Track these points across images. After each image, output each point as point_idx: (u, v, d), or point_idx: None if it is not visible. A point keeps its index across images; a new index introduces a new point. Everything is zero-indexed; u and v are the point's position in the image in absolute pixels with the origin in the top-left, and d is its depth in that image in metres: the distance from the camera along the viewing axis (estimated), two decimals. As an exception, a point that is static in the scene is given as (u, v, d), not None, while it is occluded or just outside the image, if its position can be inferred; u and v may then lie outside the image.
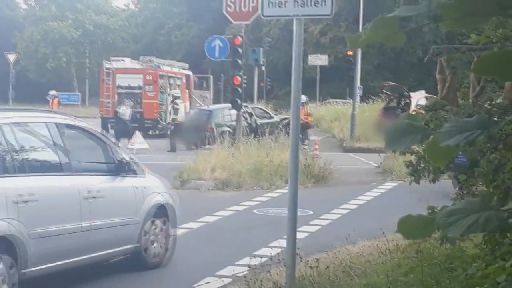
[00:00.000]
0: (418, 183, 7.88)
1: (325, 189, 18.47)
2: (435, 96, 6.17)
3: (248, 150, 20.18)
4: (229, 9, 21.94)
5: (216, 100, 45.51)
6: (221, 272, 9.45)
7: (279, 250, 9.70)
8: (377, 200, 16.31)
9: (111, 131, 29.85)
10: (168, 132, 28.16)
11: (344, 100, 49.39)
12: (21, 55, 58.70)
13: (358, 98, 36.23)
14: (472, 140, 2.30)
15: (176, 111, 27.52)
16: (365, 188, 18.14)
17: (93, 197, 8.85)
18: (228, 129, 26.05)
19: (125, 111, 29.78)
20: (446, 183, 8.23)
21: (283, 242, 8.60)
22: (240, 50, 22.06)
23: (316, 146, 24.44)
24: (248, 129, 24.71)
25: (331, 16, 7.78)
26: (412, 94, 30.57)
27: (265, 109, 33.24)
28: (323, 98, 51.09)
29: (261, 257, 9.86)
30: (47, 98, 38.74)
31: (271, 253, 9.99)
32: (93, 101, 56.33)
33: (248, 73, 31.89)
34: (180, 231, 11.07)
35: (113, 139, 11.66)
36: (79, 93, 63.17)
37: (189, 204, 13.90)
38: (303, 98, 29.13)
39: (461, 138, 2.30)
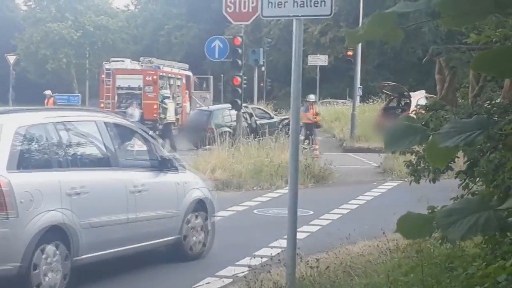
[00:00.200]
0: (418, 182, 7.88)
1: (325, 189, 18.47)
2: (435, 96, 6.18)
3: (248, 151, 20.18)
4: (228, 10, 21.94)
5: (216, 101, 45.50)
6: (222, 272, 9.46)
7: (279, 250, 9.70)
8: (377, 200, 16.32)
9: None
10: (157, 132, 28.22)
11: (343, 101, 49.36)
12: (21, 56, 58.70)
13: (358, 98, 36.25)
14: (471, 141, 2.30)
15: (164, 110, 27.59)
16: (365, 188, 18.14)
17: (138, 191, 9.49)
18: (228, 129, 26.04)
19: (134, 111, 29.75)
20: (446, 182, 8.23)
21: (283, 242, 8.60)
22: (240, 51, 22.06)
23: (316, 146, 24.44)
24: (248, 130, 24.72)
25: (330, 16, 7.78)
26: (412, 94, 30.58)
27: (265, 109, 33.24)
28: (323, 98, 51.09)
29: (261, 257, 9.86)
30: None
31: (271, 253, 9.99)
32: (93, 102, 56.30)
33: (248, 73, 31.90)
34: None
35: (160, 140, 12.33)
36: (79, 94, 63.12)
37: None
38: (312, 97, 29.16)
39: (460, 139, 2.30)
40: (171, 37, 72.80)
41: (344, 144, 30.39)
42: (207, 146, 21.74)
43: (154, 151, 10.30)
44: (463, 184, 6.87)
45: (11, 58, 43.54)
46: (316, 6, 7.53)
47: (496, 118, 5.79)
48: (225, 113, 27.43)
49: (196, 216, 10.63)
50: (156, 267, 9.84)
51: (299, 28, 7.71)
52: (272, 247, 10.61)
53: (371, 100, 42.77)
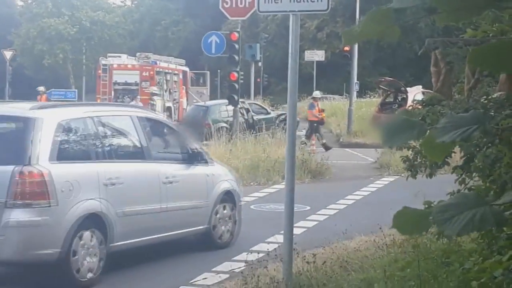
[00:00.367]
0: (415, 178, 7.88)
1: (322, 185, 18.48)
2: (432, 91, 6.17)
3: (245, 146, 20.18)
4: (225, 5, 21.94)
5: (213, 96, 45.48)
6: (218, 268, 9.46)
7: (276, 245, 9.70)
8: (374, 195, 16.33)
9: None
10: None
11: (337, 96, 49.34)
12: (18, 52, 58.55)
13: (355, 94, 36.24)
14: (467, 136, 2.30)
15: (153, 107, 27.76)
16: (362, 183, 18.15)
17: (170, 182, 9.97)
18: (225, 125, 26.02)
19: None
20: (443, 177, 8.24)
21: (280, 238, 8.60)
22: (236, 46, 22.05)
23: (313, 142, 24.44)
24: (245, 125, 24.70)
25: (327, 12, 7.78)
26: (409, 89, 30.58)
27: (262, 104, 33.22)
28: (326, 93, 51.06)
29: (258, 253, 9.87)
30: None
31: (268, 249, 10.00)
32: (90, 98, 56.23)
33: (245, 69, 31.89)
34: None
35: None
36: (76, 90, 63.04)
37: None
38: (318, 93, 29.15)
39: (457, 134, 2.30)
40: (168, 33, 72.71)
41: (340, 140, 30.39)
42: (204, 142, 21.73)
43: (185, 145, 10.79)
44: (460, 179, 6.87)
45: (8, 54, 43.44)
46: (313, 1, 7.53)
47: (492, 113, 5.78)
48: (222, 109, 27.41)
49: (224, 207, 11.08)
50: (153, 263, 9.84)
51: (295, 23, 7.71)
52: (268, 243, 10.61)
53: (368, 95, 42.78)
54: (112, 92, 35.39)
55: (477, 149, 6.42)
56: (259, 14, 8.62)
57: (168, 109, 36.21)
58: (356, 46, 33.68)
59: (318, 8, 7.64)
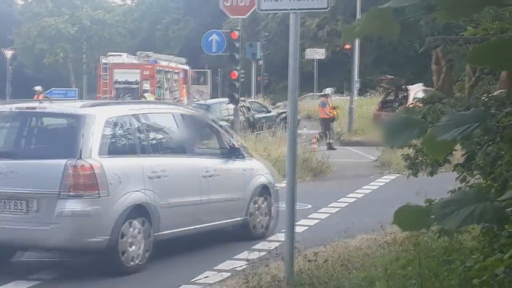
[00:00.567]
0: (416, 176, 7.88)
1: (323, 183, 18.48)
2: (433, 89, 6.17)
3: (246, 145, 20.15)
4: (226, 4, 21.93)
5: (213, 95, 45.48)
6: (220, 266, 9.45)
7: (277, 244, 9.71)
8: (375, 194, 16.32)
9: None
10: None
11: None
12: (18, 51, 58.56)
13: (356, 92, 36.23)
14: (468, 134, 2.30)
15: None
16: (363, 181, 18.14)
17: (210, 176, 10.55)
18: (225, 123, 26.02)
19: None
20: (444, 176, 8.23)
21: (281, 236, 8.60)
22: (237, 45, 22.04)
23: (314, 140, 24.44)
24: (245, 124, 24.70)
25: (327, 10, 7.77)
26: (410, 87, 30.56)
27: (262, 103, 33.21)
28: (320, 92, 51.03)
29: (259, 251, 9.87)
30: (48, 95, 38.56)
31: (269, 247, 10.01)
32: (91, 97, 56.25)
33: (246, 67, 31.87)
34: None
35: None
36: (77, 89, 63.04)
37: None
38: (328, 91, 29.16)
39: (458, 132, 2.30)
40: (168, 31, 72.70)
41: (342, 138, 30.37)
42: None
43: (224, 141, 11.34)
44: (461, 177, 6.87)
45: (8, 53, 43.46)
46: (313, 0, 7.52)
47: (493, 111, 5.79)
48: (223, 107, 27.39)
49: (261, 200, 11.51)
50: (155, 262, 9.84)
51: (296, 21, 7.70)
52: (270, 241, 10.62)
53: (369, 93, 42.73)
54: (113, 91, 35.37)
55: (478, 147, 6.42)
56: (259, 13, 8.64)
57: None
58: (357, 45, 33.68)
59: (318, 6, 7.64)
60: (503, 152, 5.98)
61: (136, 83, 35.74)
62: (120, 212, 9.03)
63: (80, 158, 8.86)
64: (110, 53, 38.54)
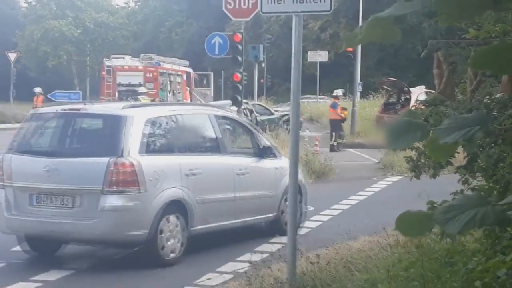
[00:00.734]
0: (419, 178, 7.89)
1: (326, 185, 18.48)
2: (435, 92, 6.19)
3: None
4: (228, 6, 21.95)
5: (216, 97, 45.49)
6: (222, 268, 9.47)
7: (279, 246, 9.72)
8: (378, 196, 16.33)
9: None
10: None
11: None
12: (22, 54, 58.64)
13: (358, 94, 36.23)
14: (470, 137, 2.31)
15: None
16: (366, 183, 18.15)
17: (243, 174, 11.02)
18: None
19: None
20: (446, 178, 8.24)
21: (284, 238, 8.61)
22: (240, 47, 22.05)
23: (317, 142, 24.45)
24: (248, 126, 24.66)
25: (330, 12, 7.79)
26: (412, 89, 30.57)
27: (265, 105, 33.23)
28: (322, 94, 51.04)
29: (262, 253, 9.89)
30: (51, 97, 38.58)
31: (272, 249, 10.02)
32: (94, 99, 56.31)
33: (248, 70, 31.90)
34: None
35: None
36: (80, 91, 63.10)
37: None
38: (339, 91, 29.12)
39: (460, 134, 2.31)
40: (171, 34, 72.80)
41: (344, 140, 30.37)
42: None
43: (256, 140, 11.77)
44: (463, 179, 6.88)
45: (12, 56, 43.47)
46: (316, 2, 7.54)
47: (495, 113, 5.80)
48: (226, 110, 27.40)
49: None
50: (157, 264, 9.85)
51: (298, 24, 7.72)
52: (272, 243, 10.62)
53: (371, 96, 42.73)
54: (116, 93, 35.41)
55: (480, 149, 6.43)
56: (262, 15, 8.64)
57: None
58: (359, 47, 33.67)
59: (321, 8, 7.65)
60: (505, 154, 5.99)
61: (140, 85, 35.78)
62: (158, 208, 9.48)
63: (122, 156, 9.33)
64: (114, 56, 38.59)
